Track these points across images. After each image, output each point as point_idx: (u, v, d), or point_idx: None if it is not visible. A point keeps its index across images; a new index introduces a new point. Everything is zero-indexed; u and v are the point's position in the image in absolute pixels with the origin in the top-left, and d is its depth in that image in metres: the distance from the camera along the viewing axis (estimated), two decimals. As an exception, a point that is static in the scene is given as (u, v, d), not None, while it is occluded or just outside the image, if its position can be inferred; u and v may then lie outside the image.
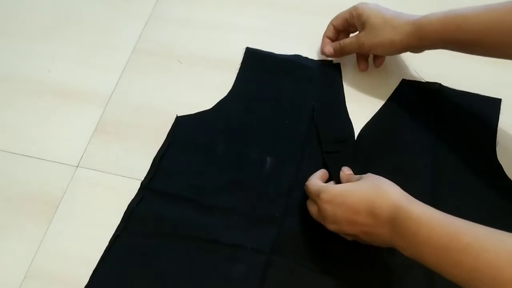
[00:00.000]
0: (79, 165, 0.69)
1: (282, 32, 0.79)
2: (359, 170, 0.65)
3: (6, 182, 0.68)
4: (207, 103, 0.72)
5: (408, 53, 0.70)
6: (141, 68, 0.77)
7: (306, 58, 0.75)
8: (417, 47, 0.67)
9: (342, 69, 0.74)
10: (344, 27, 0.73)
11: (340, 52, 0.72)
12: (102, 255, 0.61)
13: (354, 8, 0.70)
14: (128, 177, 0.67)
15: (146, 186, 0.65)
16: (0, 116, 0.74)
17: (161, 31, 0.81)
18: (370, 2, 0.70)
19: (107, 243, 0.62)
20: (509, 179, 0.64)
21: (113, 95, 0.75)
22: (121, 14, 0.83)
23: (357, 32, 0.70)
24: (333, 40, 0.74)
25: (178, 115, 0.70)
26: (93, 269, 0.60)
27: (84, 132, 0.71)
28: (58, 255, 0.62)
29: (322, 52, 0.73)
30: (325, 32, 0.74)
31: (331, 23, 0.73)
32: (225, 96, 0.72)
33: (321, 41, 0.75)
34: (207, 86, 0.74)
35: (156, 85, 0.75)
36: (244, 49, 0.76)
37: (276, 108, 0.71)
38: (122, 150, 0.70)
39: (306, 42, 0.78)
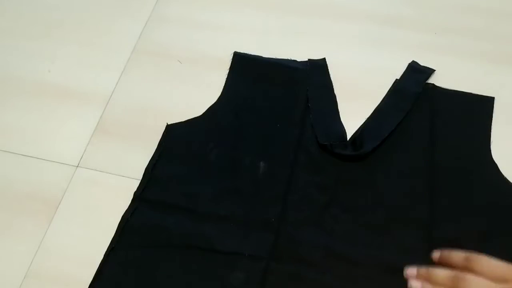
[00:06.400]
0: (79, 165, 0.69)
1: (282, 32, 0.79)
2: (351, 171, 0.65)
3: (6, 182, 0.68)
4: (207, 103, 0.72)
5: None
6: (141, 68, 0.77)
7: (294, 60, 0.75)
8: None
9: (338, 70, 0.74)
10: None
11: None
12: (98, 268, 0.60)
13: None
14: (128, 177, 0.67)
15: (139, 196, 0.65)
16: (0, 116, 0.74)
17: (161, 31, 0.81)
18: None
19: (106, 243, 0.62)
20: (504, 177, 0.64)
21: (113, 95, 0.75)
22: (121, 14, 0.83)
23: None
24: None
25: (169, 123, 0.70)
26: (93, 269, 0.60)
27: (84, 132, 0.71)
28: (58, 255, 0.62)
29: None
30: (413, 274, 0.57)
31: (423, 276, 0.56)
32: (215, 102, 0.72)
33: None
34: (207, 86, 0.74)
35: (156, 85, 0.75)
36: (232, 53, 0.76)
37: (267, 112, 0.71)
38: (122, 150, 0.70)
39: (306, 42, 0.78)
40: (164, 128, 0.70)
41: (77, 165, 0.69)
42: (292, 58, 0.75)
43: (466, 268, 0.53)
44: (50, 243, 0.63)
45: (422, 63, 0.74)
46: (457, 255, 0.55)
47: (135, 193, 0.65)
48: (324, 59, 0.75)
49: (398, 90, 0.72)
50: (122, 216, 0.63)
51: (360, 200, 0.64)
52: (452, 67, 0.74)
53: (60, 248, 0.63)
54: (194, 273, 0.60)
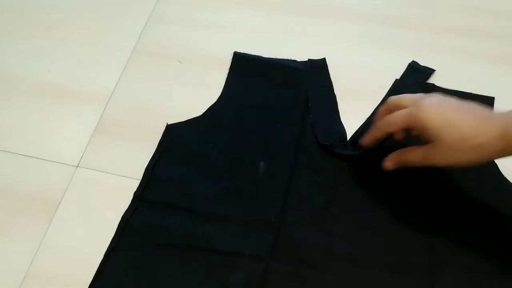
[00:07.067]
0: (79, 165, 0.69)
1: (282, 32, 0.79)
2: (352, 171, 0.65)
3: (6, 182, 0.68)
4: (207, 103, 0.72)
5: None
6: (141, 68, 0.77)
7: (295, 60, 0.75)
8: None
9: (338, 70, 0.74)
10: (399, 132, 0.58)
11: (403, 165, 0.58)
12: (98, 268, 0.60)
13: (415, 118, 0.53)
14: (128, 177, 0.67)
15: (139, 196, 0.65)
16: (0, 116, 0.74)
17: (161, 31, 0.81)
18: (432, 100, 0.53)
19: (106, 243, 0.62)
20: (505, 177, 0.64)
21: (113, 95, 0.75)
22: (121, 14, 0.83)
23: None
24: (378, 140, 0.60)
25: (169, 123, 0.70)
26: (93, 269, 0.60)
27: (84, 132, 0.71)
28: (58, 255, 0.62)
29: (384, 165, 0.60)
30: (372, 132, 0.60)
31: (384, 125, 0.58)
32: (215, 102, 0.72)
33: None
34: (207, 86, 0.74)
35: (156, 85, 0.75)
36: (232, 53, 0.76)
37: (267, 112, 0.71)
38: (122, 150, 0.70)
39: (306, 42, 0.78)
40: (164, 128, 0.70)
41: (77, 165, 0.69)
42: (292, 58, 0.75)
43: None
44: (50, 243, 0.63)
45: (422, 63, 0.74)
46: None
47: (135, 193, 0.65)
48: (324, 59, 0.75)
49: (398, 90, 0.71)
50: (122, 216, 0.63)
51: (360, 200, 0.64)
52: (452, 67, 0.74)
53: (60, 248, 0.63)
54: (194, 273, 0.60)
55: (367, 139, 0.62)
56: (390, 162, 0.60)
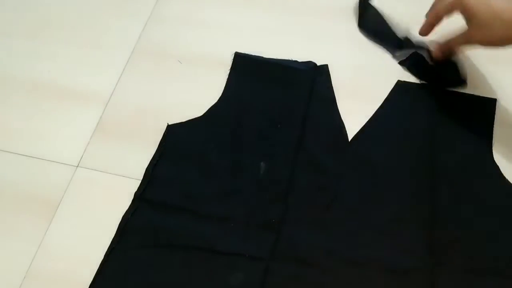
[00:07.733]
0: (79, 165, 0.69)
1: (283, 32, 0.79)
2: (352, 172, 0.65)
3: (6, 182, 0.68)
4: (207, 103, 0.72)
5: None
6: (141, 68, 0.77)
7: (296, 61, 0.75)
8: None
9: (338, 70, 0.74)
10: (449, 14, 0.67)
11: (449, 53, 0.70)
12: (98, 268, 0.60)
13: (461, 2, 0.63)
14: (128, 177, 0.67)
15: (140, 197, 0.65)
16: (0, 116, 0.74)
17: (161, 31, 0.81)
18: None
19: (106, 243, 0.62)
20: (506, 179, 0.64)
21: (113, 95, 0.75)
22: (121, 14, 0.83)
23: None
24: (433, 25, 0.69)
25: (169, 123, 0.70)
26: (93, 269, 0.60)
27: (84, 132, 0.71)
28: (58, 255, 0.62)
29: (434, 54, 0.71)
30: (429, 18, 0.69)
31: (435, 11, 0.68)
32: (216, 102, 0.72)
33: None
34: (208, 86, 0.74)
35: (156, 85, 0.75)
36: (233, 54, 0.76)
37: (267, 113, 0.71)
38: (122, 150, 0.70)
39: (307, 42, 0.78)
40: (164, 128, 0.70)
41: (77, 165, 0.69)
42: (293, 59, 0.75)
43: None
44: (50, 243, 0.63)
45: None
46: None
47: (135, 193, 0.65)
48: (327, 65, 0.75)
49: (400, 90, 0.72)
50: (123, 216, 0.63)
51: (361, 201, 0.64)
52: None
53: (60, 248, 0.63)
54: (194, 274, 0.60)
55: (424, 27, 0.70)
56: (437, 51, 0.70)
